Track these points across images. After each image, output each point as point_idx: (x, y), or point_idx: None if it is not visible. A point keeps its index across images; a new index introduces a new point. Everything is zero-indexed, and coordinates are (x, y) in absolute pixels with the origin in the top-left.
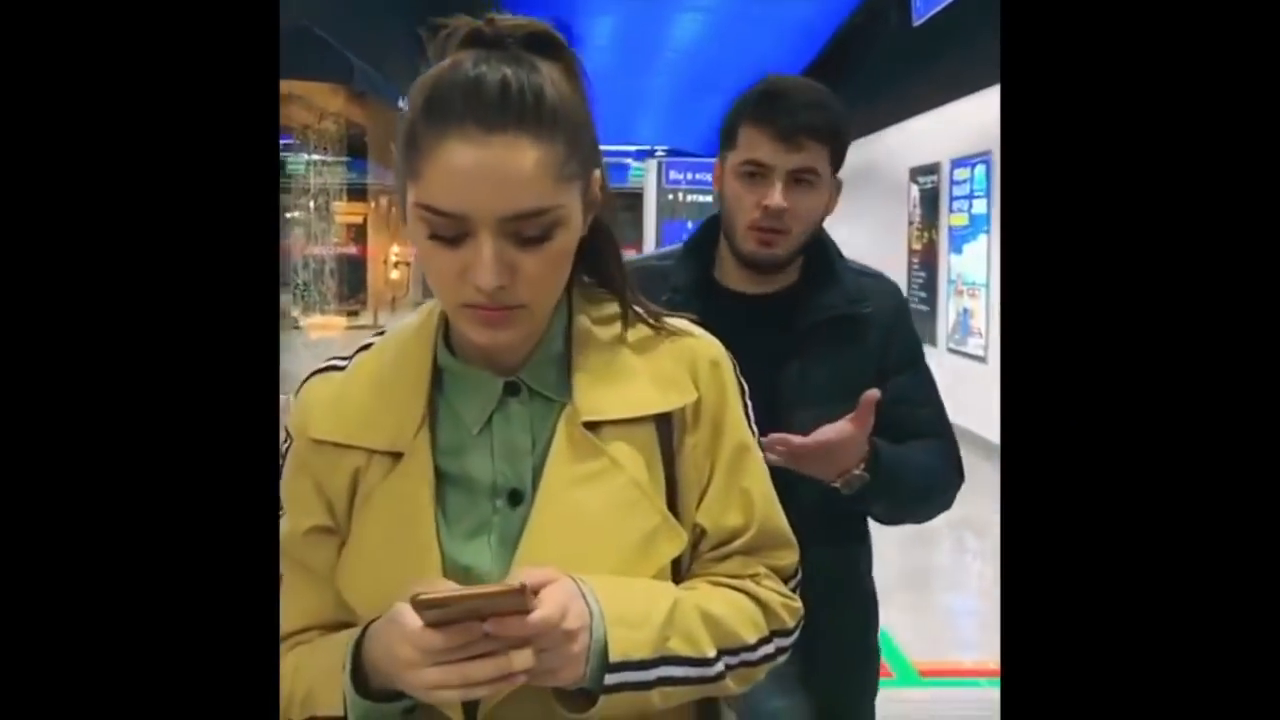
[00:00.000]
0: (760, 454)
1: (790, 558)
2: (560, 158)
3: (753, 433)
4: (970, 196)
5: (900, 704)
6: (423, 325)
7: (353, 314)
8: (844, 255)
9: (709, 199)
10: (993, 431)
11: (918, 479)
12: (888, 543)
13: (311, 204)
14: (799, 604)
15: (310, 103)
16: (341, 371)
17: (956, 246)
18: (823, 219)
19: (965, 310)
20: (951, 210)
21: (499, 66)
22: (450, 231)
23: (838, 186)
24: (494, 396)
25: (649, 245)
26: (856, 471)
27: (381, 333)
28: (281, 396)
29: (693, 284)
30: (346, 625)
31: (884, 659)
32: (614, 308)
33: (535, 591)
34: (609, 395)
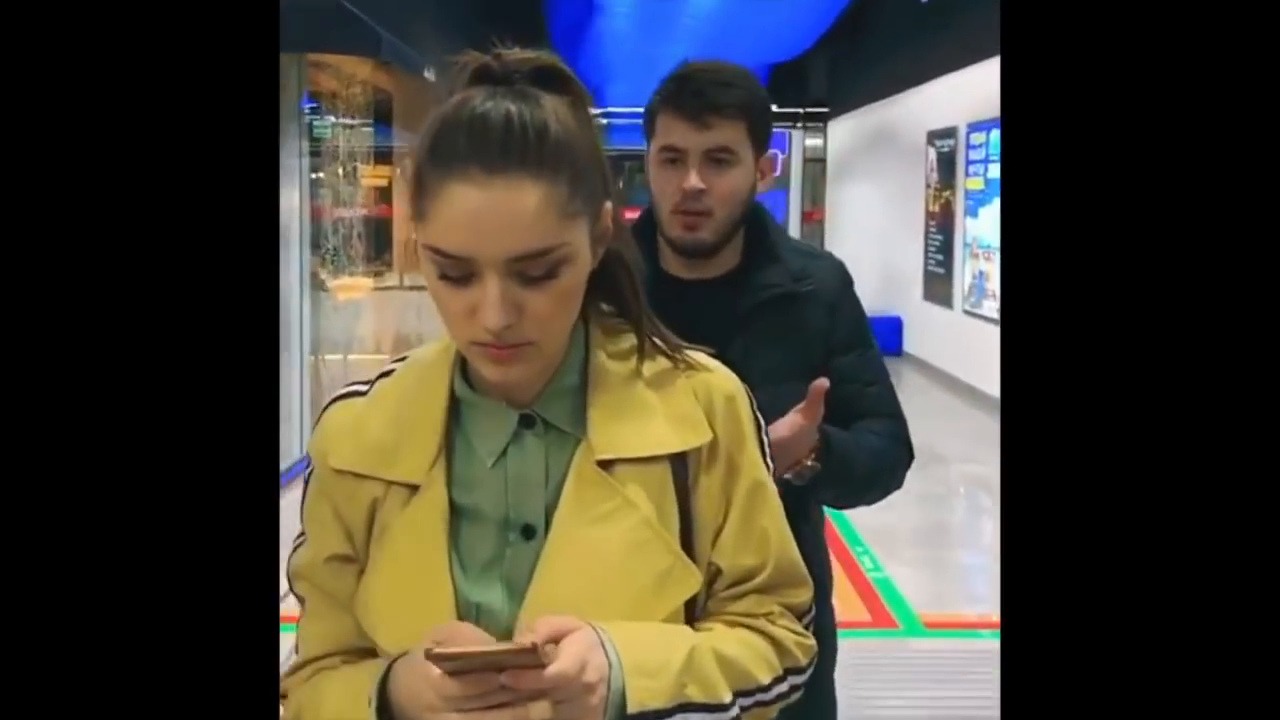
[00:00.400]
0: (775, 490)
1: (805, 595)
2: (564, 196)
3: (768, 467)
4: (986, 161)
5: (904, 653)
6: (441, 355)
7: (378, 274)
8: (787, 234)
9: None
10: None
11: (868, 462)
12: (905, 502)
13: (340, 170)
14: (812, 641)
15: (338, 71)
16: (363, 397)
17: (972, 210)
18: (749, 197)
19: (980, 273)
20: (968, 174)
21: (503, 105)
22: (457, 272)
23: (769, 163)
24: (509, 429)
25: None
26: (808, 462)
27: (402, 358)
28: (309, 357)
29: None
30: (367, 651)
31: (890, 610)
32: (631, 340)
33: (555, 640)
34: (624, 433)
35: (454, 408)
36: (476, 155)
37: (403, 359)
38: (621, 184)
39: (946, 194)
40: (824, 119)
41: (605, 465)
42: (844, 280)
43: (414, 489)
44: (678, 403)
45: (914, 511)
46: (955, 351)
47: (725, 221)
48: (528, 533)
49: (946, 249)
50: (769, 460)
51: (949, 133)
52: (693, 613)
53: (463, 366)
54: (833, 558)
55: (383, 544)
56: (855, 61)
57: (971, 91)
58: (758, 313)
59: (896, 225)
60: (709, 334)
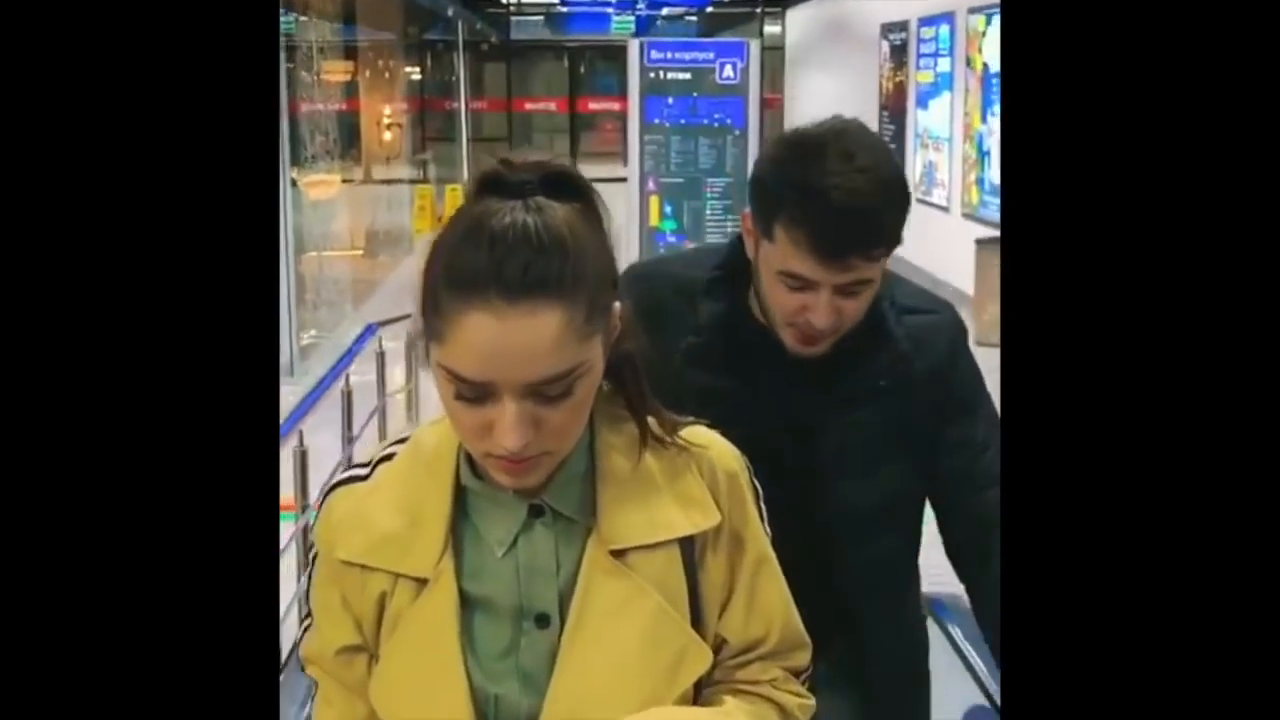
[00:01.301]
0: (775, 559)
1: (805, 657)
2: (583, 316)
3: (767, 534)
4: (936, 55)
5: None
6: (446, 441)
7: (346, 170)
8: (899, 291)
9: (688, 76)
10: (958, 277)
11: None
12: None
13: (306, 67)
14: (811, 700)
15: None
16: (365, 483)
17: (922, 102)
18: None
19: (930, 163)
20: (918, 67)
21: (520, 222)
22: (474, 394)
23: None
24: (518, 519)
25: (634, 122)
26: None
27: (403, 440)
28: (288, 255)
29: (720, 323)
30: None
31: None
32: (634, 427)
33: None
34: (635, 520)
35: (460, 496)
36: (497, 282)
37: (403, 440)
38: (582, 71)
39: (899, 77)
40: (783, 5)
41: (618, 553)
42: (957, 342)
43: (423, 582)
44: (684, 485)
45: None
46: (908, 237)
47: (844, 330)
48: (542, 621)
49: (899, 138)
50: (767, 528)
51: (901, 26)
52: (699, 681)
53: (469, 455)
54: None
55: (394, 637)
56: None
57: None
58: (859, 401)
59: (851, 114)
60: (800, 411)
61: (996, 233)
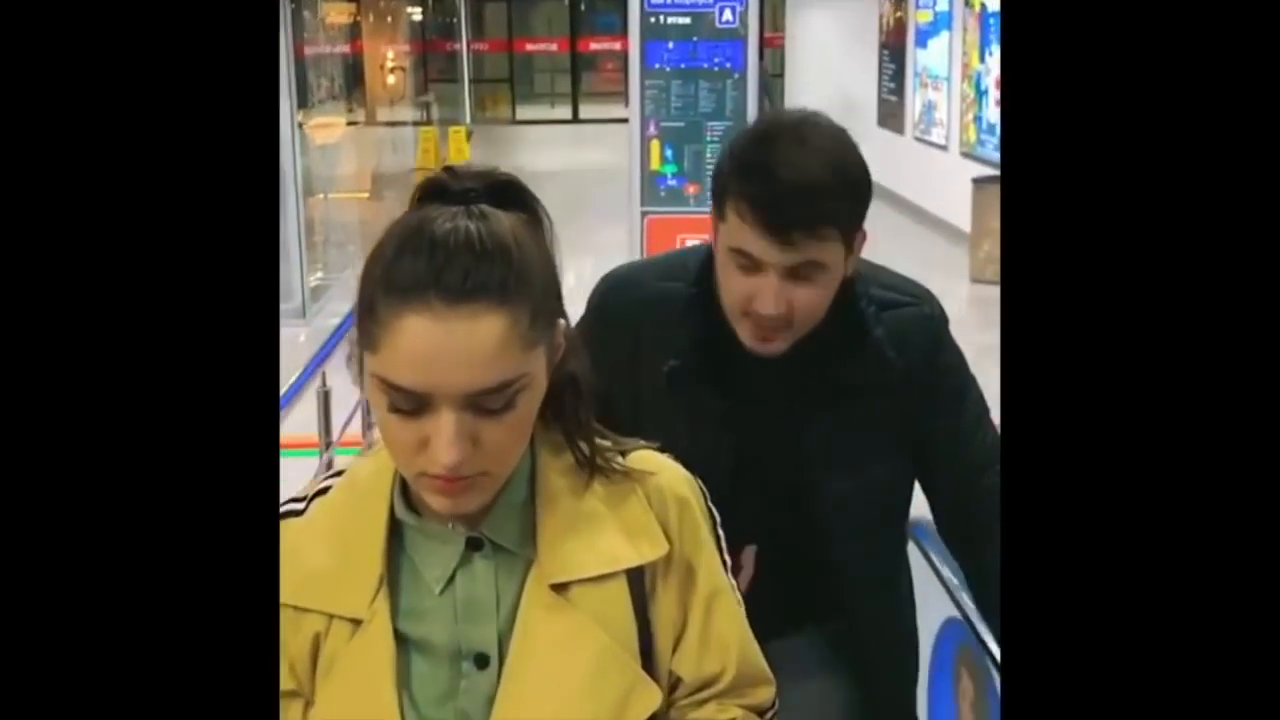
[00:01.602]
0: (734, 593)
1: (767, 693)
2: (526, 323)
3: (725, 564)
4: None
5: None
6: (378, 474)
7: (350, 111)
8: (876, 280)
9: (688, 20)
10: (955, 215)
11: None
12: None
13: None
14: None
15: None
16: (300, 519)
17: (922, 42)
18: (835, 292)
19: (930, 102)
20: (918, 7)
21: (463, 227)
22: (409, 405)
23: (860, 238)
24: (455, 553)
25: (634, 67)
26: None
27: (338, 474)
28: (298, 198)
29: (699, 341)
30: None
31: None
32: (569, 448)
33: None
34: (577, 552)
35: (396, 531)
36: (437, 286)
37: (338, 474)
38: (583, 10)
39: (899, 14)
40: None
41: (560, 587)
42: (939, 332)
43: (359, 623)
44: (630, 513)
45: None
46: (907, 175)
47: (805, 328)
48: (481, 662)
49: (899, 78)
50: (725, 555)
51: None
52: None
53: (403, 486)
54: None
55: (329, 681)
56: None
57: None
58: (840, 398)
59: (852, 54)
60: (785, 412)
61: (992, 172)
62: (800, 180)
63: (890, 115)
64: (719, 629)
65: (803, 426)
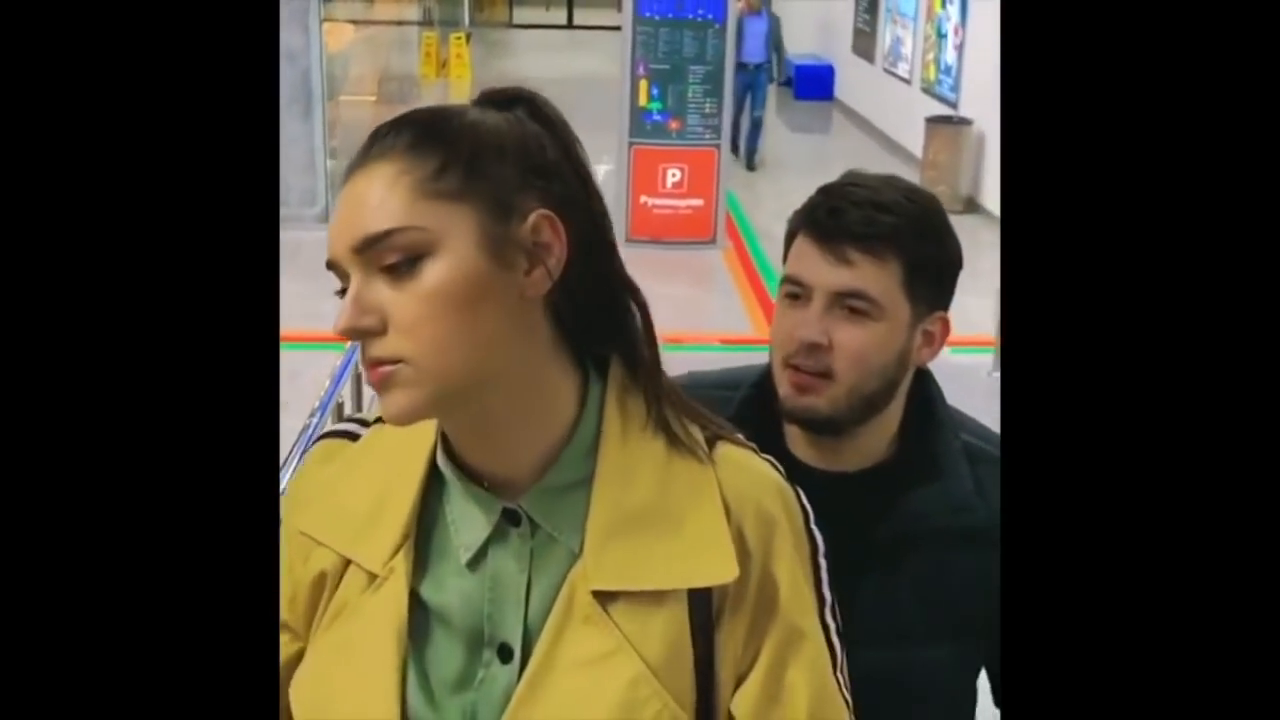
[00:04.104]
0: (820, 635)
1: None
2: (424, 172)
3: (824, 599)
4: None
5: None
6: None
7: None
8: (965, 421)
9: (670, 29)
10: (912, 144)
11: None
12: None
13: None
14: None
15: None
16: (355, 442)
17: None
18: (897, 367)
19: (898, 38)
20: None
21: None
22: (340, 282)
23: (942, 326)
24: (489, 522)
25: (627, 15)
26: None
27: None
28: (323, 100)
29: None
30: None
31: None
32: (658, 437)
33: None
34: (631, 557)
35: (438, 483)
36: (358, 157)
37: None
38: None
39: None
40: None
41: (605, 595)
42: None
43: (375, 576)
44: (703, 520)
45: None
46: (876, 101)
47: (854, 393)
48: (505, 654)
49: (873, 10)
50: (825, 591)
51: None
52: None
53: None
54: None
55: (329, 633)
56: None
57: None
58: (901, 546)
59: None
60: (833, 554)
61: (946, 110)
62: (868, 198)
63: (863, 44)
64: (792, 680)
65: (850, 584)
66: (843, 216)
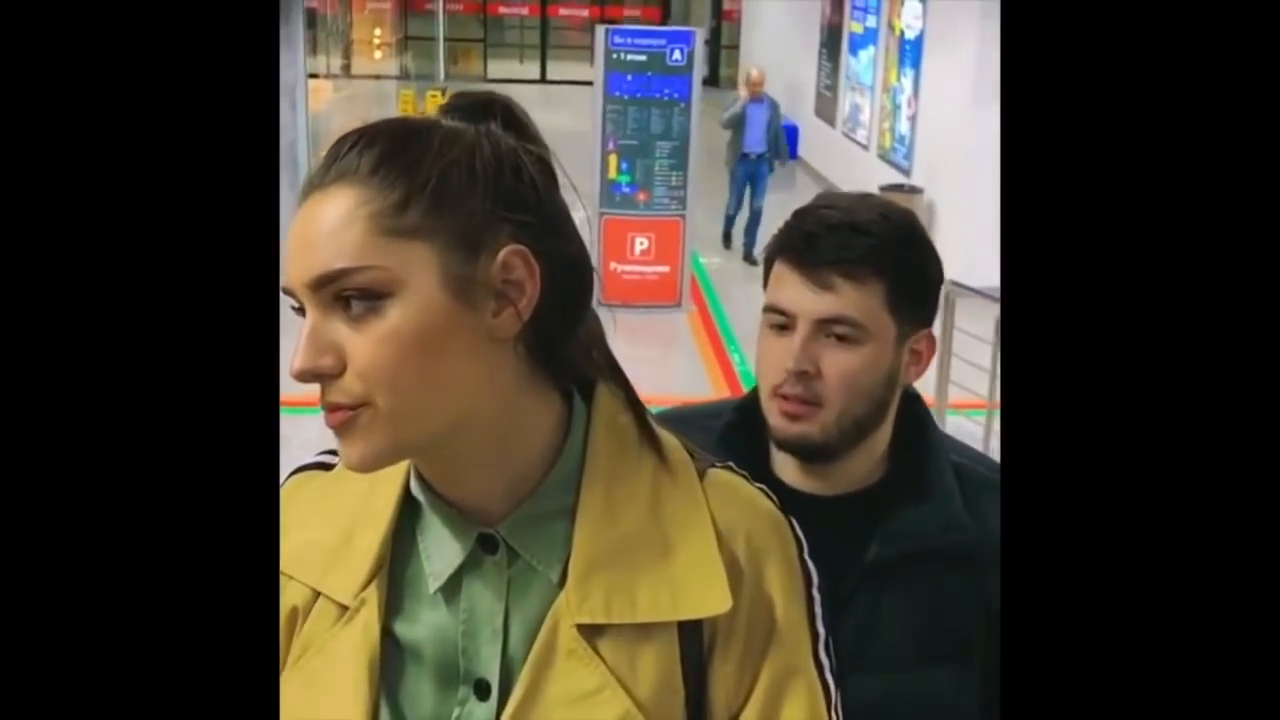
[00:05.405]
0: (815, 674)
1: None
2: (384, 205)
3: (816, 637)
4: (865, 10)
5: None
6: None
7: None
8: (953, 444)
9: (644, 58)
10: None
11: None
12: None
13: None
14: None
15: None
16: (328, 473)
17: (854, 50)
18: (886, 388)
19: (856, 105)
20: (852, 18)
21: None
22: (302, 316)
23: (927, 344)
24: (462, 549)
25: (598, 95)
26: None
27: None
28: (308, 153)
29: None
30: None
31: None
32: (644, 455)
33: None
34: (618, 588)
35: (411, 510)
36: (309, 180)
37: None
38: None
39: (836, 20)
40: None
41: (590, 629)
42: None
43: (345, 609)
44: (695, 548)
45: None
46: (836, 164)
47: (844, 417)
48: (482, 690)
49: (834, 77)
50: (818, 627)
51: None
52: None
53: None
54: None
55: (297, 670)
56: None
57: None
58: (892, 569)
59: (800, 45)
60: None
61: (900, 179)
62: (846, 220)
63: (825, 108)
64: (785, 714)
65: (839, 608)
66: (819, 241)
